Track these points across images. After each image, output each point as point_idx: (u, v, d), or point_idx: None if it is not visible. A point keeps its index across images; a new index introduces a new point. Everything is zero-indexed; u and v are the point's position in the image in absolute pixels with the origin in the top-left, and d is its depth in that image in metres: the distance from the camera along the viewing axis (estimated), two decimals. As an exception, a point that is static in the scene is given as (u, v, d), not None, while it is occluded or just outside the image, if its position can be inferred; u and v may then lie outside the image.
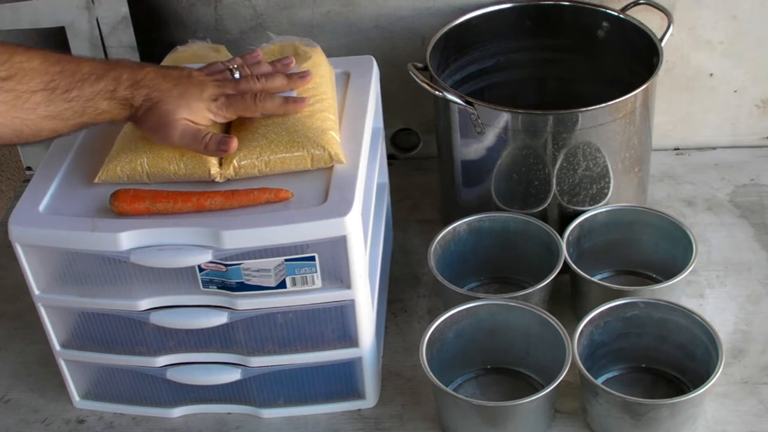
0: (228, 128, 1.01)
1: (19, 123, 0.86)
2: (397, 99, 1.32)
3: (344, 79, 1.11)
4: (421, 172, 1.40)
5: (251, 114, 0.97)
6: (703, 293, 1.15)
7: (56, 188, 0.97)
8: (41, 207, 0.94)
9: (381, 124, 1.17)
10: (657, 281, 1.14)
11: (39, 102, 0.86)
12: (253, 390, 1.02)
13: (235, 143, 0.94)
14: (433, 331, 1.00)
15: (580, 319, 1.00)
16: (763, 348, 1.08)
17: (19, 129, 0.86)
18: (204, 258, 0.90)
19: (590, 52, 1.27)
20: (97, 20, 1.31)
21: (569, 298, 1.13)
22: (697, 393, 0.92)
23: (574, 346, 0.96)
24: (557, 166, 1.11)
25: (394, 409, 1.04)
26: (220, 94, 0.95)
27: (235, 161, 0.95)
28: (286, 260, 0.91)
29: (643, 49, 1.18)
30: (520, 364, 1.06)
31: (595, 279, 1.08)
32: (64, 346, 1.02)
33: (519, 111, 1.08)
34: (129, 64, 0.94)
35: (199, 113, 0.94)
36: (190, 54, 1.10)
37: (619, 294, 1.03)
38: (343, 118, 1.04)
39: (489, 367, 1.07)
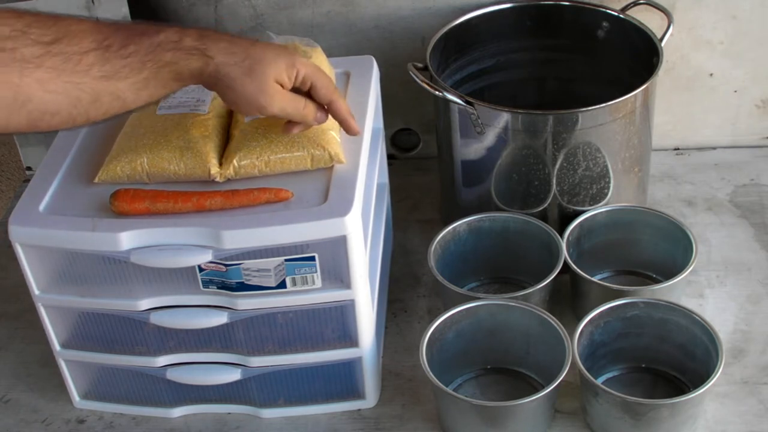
0: (228, 128, 1.01)
1: (73, 88, 0.77)
2: (397, 99, 1.32)
3: (344, 79, 1.11)
4: (421, 172, 1.40)
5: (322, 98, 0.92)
6: (703, 293, 1.15)
7: (56, 188, 0.97)
8: (41, 207, 0.94)
9: (381, 124, 1.17)
10: (657, 281, 1.14)
11: (92, 63, 0.78)
12: (253, 390, 1.02)
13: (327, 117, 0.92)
14: (433, 331, 1.00)
15: (580, 319, 1.00)
16: (763, 348, 1.08)
17: (76, 96, 0.77)
18: (204, 258, 0.90)
19: (590, 52, 1.27)
20: (97, 20, 1.31)
21: (569, 298, 1.13)
22: (697, 393, 0.92)
23: (574, 346, 0.96)
24: (557, 166, 1.11)
25: (394, 409, 1.04)
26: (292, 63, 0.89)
27: (235, 161, 0.95)
28: (286, 260, 0.91)
29: (643, 49, 1.18)
30: (520, 364, 1.06)
31: (595, 279, 1.08)
32: (64, 346, 1.02)
33: (519, 111, 1.08)
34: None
35: (284, 71, 0.87)
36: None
37: (619, 294, 1.03)
38: (343, 118, 1.04)
39: (489, 367, 1.07)
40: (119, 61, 0.79)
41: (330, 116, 0.99)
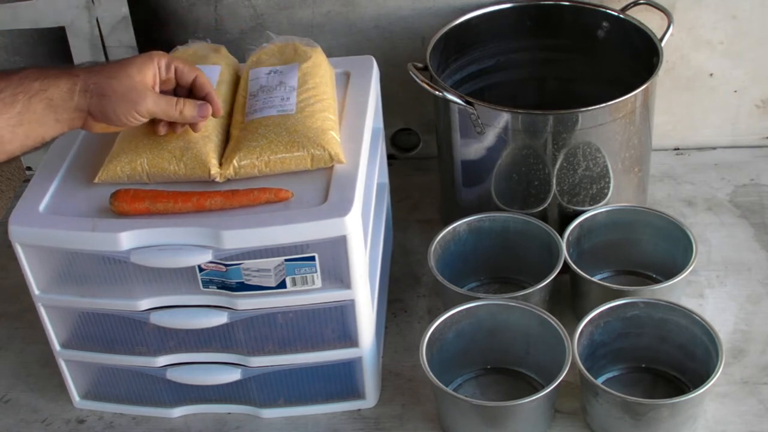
0: (228, 127, 1.01)
1: None
2: (397, 99, 1.32)
3: (344, 79, 1.11)
4: (421, 172, 1.40)
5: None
6: (703, 293, 1.15)
7: (56, 188, 0.97)
8: (41, 207, 0.94)
9: (381, 124, 1.17)
10: (657, 281, 1.14)
11: None
12: (253, 390, 1.02)
13: (209, 109, 0.94)
14: (433, 331, 1.00)
15: (580, 319, 1.00)
16: (763, 348, 1.08)
17: None
18: (204, 258, 0.90)
19: (590, 52, 1.28)
20: (97, 20, 1.31)
21: (569, 298, 1.13)
22: (697, 393, 0.92)
23: (574, 346, 0.96)
24: (557, 166, 1.11)
25: (394, 409, 1.04)
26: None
27: (235, 161, 0.95)
28: (286, 260, 0.91)
29: (643, 49, 1.18)
30: (520, 364, 1.06)
31: (595, 279, 1.08)
32: (64, 346, 1.02)
33: (519, 111, 1.08)
34: None
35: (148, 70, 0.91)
36: (190, 54, 1.10)
37: (619, 294, 1.03)
38: (343, 118, 1.04)
39: (489, 367, 1.07)
40: None
41: (330, 116, 0.99)
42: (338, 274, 0.93)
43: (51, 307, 0.99)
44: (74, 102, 0.87)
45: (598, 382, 0.96)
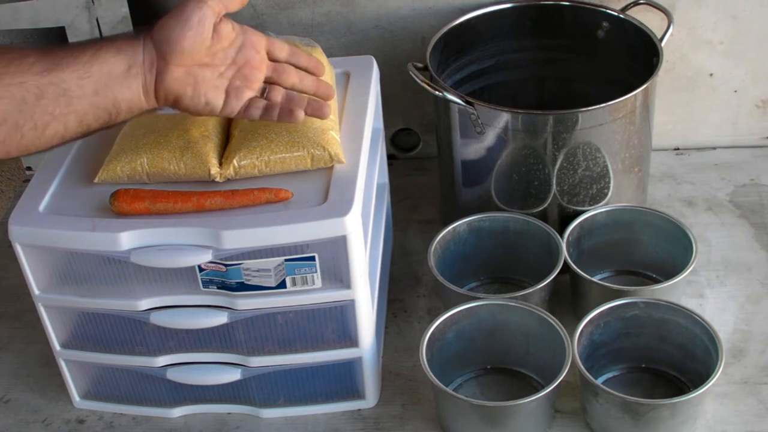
0: (228, 128, 1.01)
1: (17, 90, 0.78)
2: (397, 99, 1.32)
3: (344, 79, 1.11)
4: (421, 172, 1.40)
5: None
6: (703, 293, 1.15)
7: (56, 188, 0.97)
8: (41, 207, 0.94)
9: (381, 124, 1.17)
10: (657, 281, 1.14)
11: (34, 61, 0.79)
12: (253, 390, 1.02)
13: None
14: (433, 331, 1.00)
15: (580, 319, 1.00)
16: (763, 348, 1.08)
17: (21, 98, 0.78)
18: (204, 258, 0.90)
19: (590, 52, 1.28)
20: (97, 20, 1.31)
21: (569, 298, 1.13)
22: (697, 393, 0.92)
23: (574, 346, 0.96)
24: (557, 166, 1.11)
25: (394, 409, 1.04)
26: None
27: (235, 161, 0.95)
28: (286, 260, 0.91)
29: (643, 49, 1.18)
30: (520, 364, 1.06)
31: (595, 279, 1.08)
32: (64, 346, 1.02)
33: (519, 111, 1.08)
34: None
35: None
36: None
37: (619, 294, 1.03)
38: (343, 118, 1.04)
39: (489, 367, 1.07)
40: (60, 52, 0.81)
41: (330, 116, 0.99)
42: (338, 274, 0.93)
43: (51, 307, 0.99)
44: (140, 42, 0.84)
45: (598, 382, 0.96)
